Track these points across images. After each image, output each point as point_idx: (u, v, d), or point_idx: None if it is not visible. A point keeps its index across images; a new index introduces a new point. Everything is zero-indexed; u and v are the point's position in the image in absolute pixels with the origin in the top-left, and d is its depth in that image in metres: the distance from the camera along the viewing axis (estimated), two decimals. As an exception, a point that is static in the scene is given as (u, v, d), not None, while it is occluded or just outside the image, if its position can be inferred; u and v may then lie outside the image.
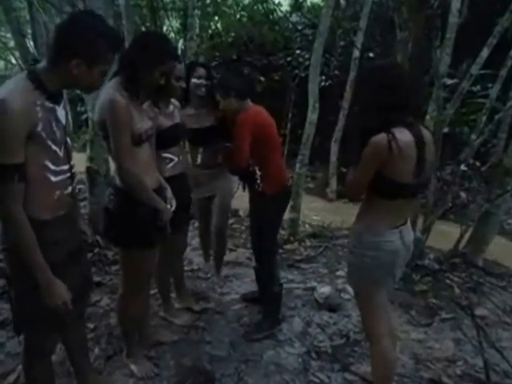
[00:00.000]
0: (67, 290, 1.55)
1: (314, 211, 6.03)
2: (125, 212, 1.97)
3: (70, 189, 1.63)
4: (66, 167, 1.59)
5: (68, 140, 1.61)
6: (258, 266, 2.81)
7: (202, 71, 2.76)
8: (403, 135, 1.67)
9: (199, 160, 2.96)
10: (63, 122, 1.56)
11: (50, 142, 1.47)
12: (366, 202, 1.90)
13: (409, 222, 1.95)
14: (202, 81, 2.74)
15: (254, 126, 2.45)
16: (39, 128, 1.41)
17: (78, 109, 11.21)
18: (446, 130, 3.85)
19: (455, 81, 5.00)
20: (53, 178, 1.52)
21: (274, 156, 2.65)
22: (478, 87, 5.73)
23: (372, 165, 1.71)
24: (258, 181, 2.60)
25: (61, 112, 1.55)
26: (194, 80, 2.72)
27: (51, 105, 1.48)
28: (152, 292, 2.72)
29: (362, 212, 1.92)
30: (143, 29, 10.38)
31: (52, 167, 1.51)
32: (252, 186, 2.64)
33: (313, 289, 3.27)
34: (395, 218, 1.84)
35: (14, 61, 11.35)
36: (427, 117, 3.67)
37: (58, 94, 1.54)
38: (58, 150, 1.52)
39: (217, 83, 2.66)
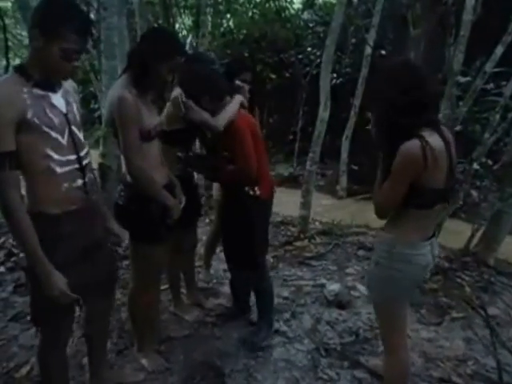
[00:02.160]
0: (65, 282, 1.54)
1: (324, 208, 6.02)
2: (134, 208, 2.00)
3: (79, 182, 1.61)
4: (72, 157, 1.58)
5: (74, 129, 1.60)
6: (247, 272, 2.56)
7: (248, 76, 2.78)
8: (434, 139, 1.55)
9: None
10: (62, 109, 1.55)
11: (46, 129, 1.48)
12: (396, 211, 1.72)
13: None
14: (245, 85, 2.74)
15: (250, 128, 2.31)
16: (29, 115, 1.42)
17: (92, 106, 11.31)
18: (458, 128, 3.81)
19: (468, 79, 4.94)
20: (58, 169, 1.53)
21: (265, 156, 2.49)
22: (492, 85, 5.66)
23: (406, 177, 1.56)
24: (255, 186, 2.36)
25: (58, 100, 1.55)
26: (237, 82, 2.71)
27: (42, 92, 1.49)
28: (162, 287, 2.74)
29: (392, 221, 1.76)
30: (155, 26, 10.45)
31: (55, 156, 1.51)
32: (242, 190, 2.36)
33: (322, 286, 3.28)
34: (428, 227, 1.74)
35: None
36: (440, 115, 3.63)
37: (49, 81, 1.53)
38: (59, 137, 1.52)
39: (184, 89, 2.30)
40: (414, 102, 1.55)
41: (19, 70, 1.48)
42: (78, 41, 1.47)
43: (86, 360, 2.32)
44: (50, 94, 1.52)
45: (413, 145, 1.52)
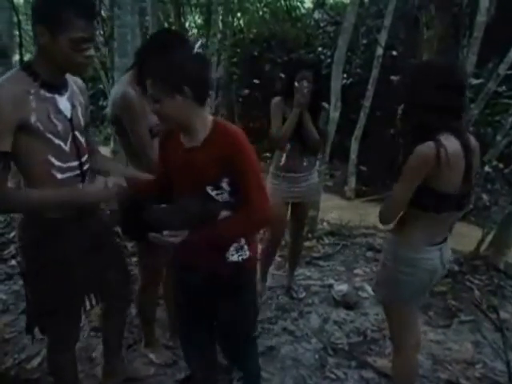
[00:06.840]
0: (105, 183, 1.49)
1: (332, 209, 6.00)
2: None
3: (79, 187, 1.55)
4: (74, 164, 1.52)
5: (77, 134, 1.54)
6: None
7: (308, 75, 2.52)
8: (451, 143, 1.53)
9: (282, 161, 2.72)
10: (67, 114, 1.48)
11: (49, 135, 1.41)
12: (404, 213, 1.70)
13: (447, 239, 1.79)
14: (304, 84, 2.51)
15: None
16: (33, 119, 1.35)
17: (100, 103, 11.36)
18: (469, 130, 3.79)
19: (481, 81, 4.91)
20: (59, 176, 1.47)
21: None
22: (504, 88, 5.63)
23: (417, 178, 1.55)
24: (243, 243, 1.52)
25: (64, 103, 1.47)
26: (296, 84, 2.51)
27: (48, 94, 1.42)
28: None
29: (399, 224, 1.75)
30: (166, 24, 10.47)
31: (57, 163, 1.45)
32: (224, 256, 1.51)
33: (330, 286, 3.28)
34: (436, 233, 1.70)
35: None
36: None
37: (57, 82, 1.46)
38: (62, 144, 1.46)
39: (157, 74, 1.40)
40: (443, 103, 1.54)
41: (26, 68, 1.40)
42: (86, 27, 1.36)
43: (96, 354, 2.35)
44: (57, 96, 1.45)
45: (427, 146, 1.51)
